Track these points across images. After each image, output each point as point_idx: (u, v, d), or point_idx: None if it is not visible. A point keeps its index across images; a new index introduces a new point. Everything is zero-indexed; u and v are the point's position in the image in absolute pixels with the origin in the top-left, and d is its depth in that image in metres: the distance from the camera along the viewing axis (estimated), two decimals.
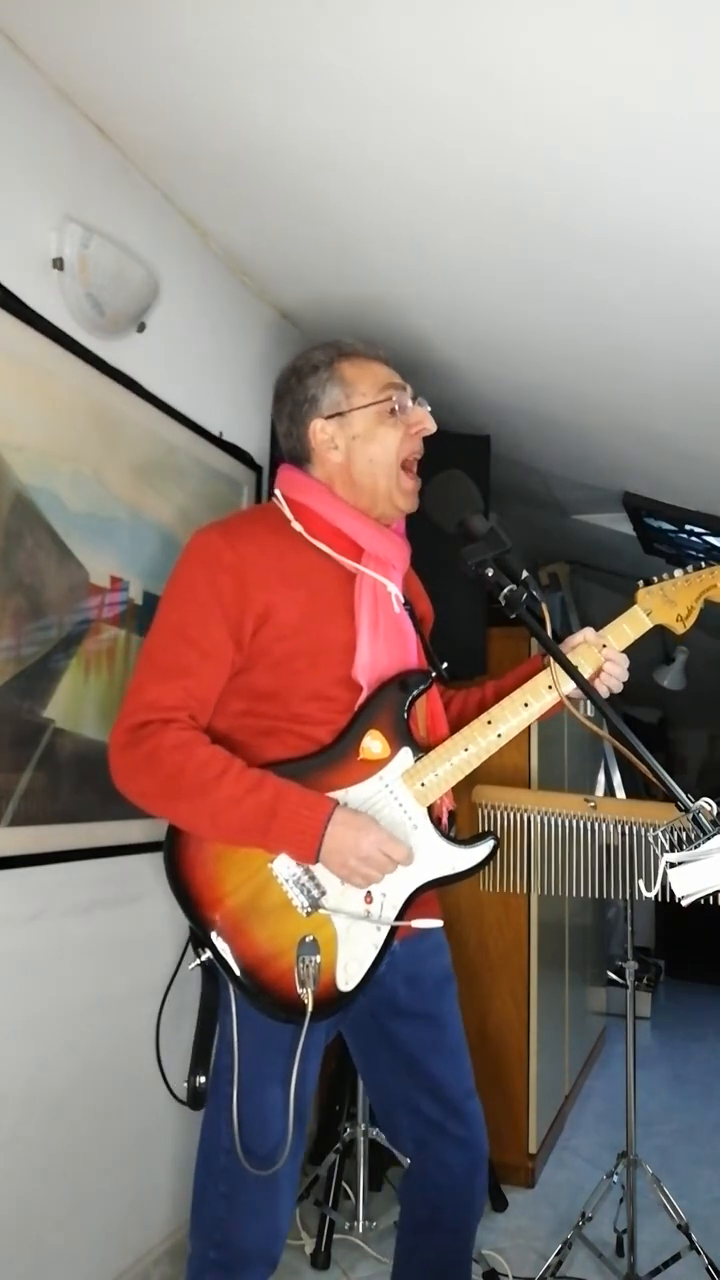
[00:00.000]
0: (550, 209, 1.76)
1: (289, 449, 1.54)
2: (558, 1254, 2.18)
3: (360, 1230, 2.31)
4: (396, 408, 1.48)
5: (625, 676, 1.49)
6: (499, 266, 2.02)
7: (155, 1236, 2.03)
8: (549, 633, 1.35)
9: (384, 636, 1.42)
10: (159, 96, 1.69)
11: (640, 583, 1.50)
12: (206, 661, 1.34)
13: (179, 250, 2.09)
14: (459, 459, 1.61)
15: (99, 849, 1.83)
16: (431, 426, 1.50)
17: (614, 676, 1.47)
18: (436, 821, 1.42)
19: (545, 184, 1.69)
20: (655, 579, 1.51)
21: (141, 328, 1.95)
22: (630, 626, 1.48)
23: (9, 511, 1.61)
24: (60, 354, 1.73)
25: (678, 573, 1.51)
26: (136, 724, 1.31)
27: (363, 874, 1.30)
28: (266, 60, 1.53)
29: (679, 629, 1.49)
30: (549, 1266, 2.16)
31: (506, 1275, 2.22)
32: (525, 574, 1.36)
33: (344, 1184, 2.40)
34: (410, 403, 1.50)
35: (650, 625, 1.49)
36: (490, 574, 1.35)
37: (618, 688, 1.49)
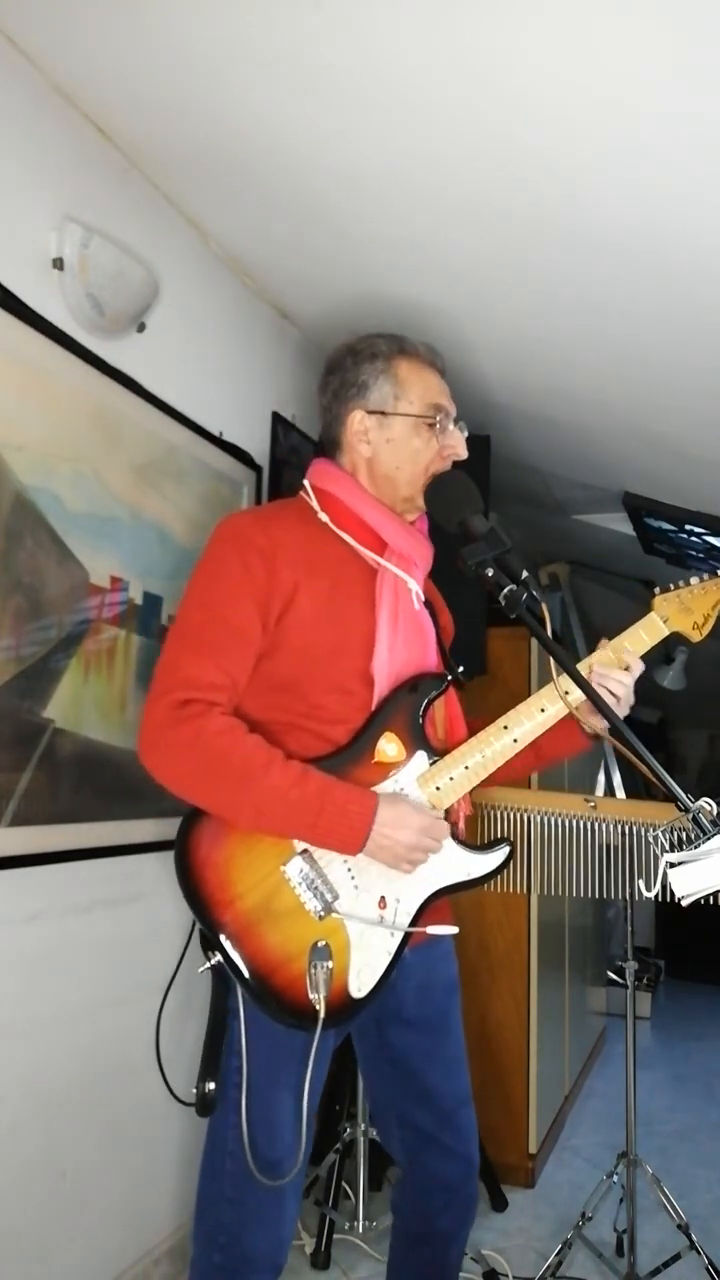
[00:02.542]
0: (550, 209, 1.76)
1: (324, 426, 1.54)
2: (558, 1254, 2.18)
3: (360, 1230, 2.31)
4: (438, 426, 1.47)
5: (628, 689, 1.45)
6: (499, 266, 2.02)
7: (156, 1236, 2.03)
8: (549, 633, 1.34)
9: (403, 632, 1.41)
10: (159, 96, 1.69)
11: (656, 589, 1.49)
12: (236, 639, 1.33)
13: (179, 250, 2.09)
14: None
15: (99, 849, 1.83)
16: (464, 453, 1.49)
17: (619, 684, 1.44)
18: (452, 826, 1.41)
19: (545, 184, 1.69)
20: (671, 585, 1.50)
21: (141, 328, 1.95)
22: (647, 633, 1.48)
23: (9, 511, 1.61)
24: (60, 354, 1.73)
25: (694, 580, 1.49)
26: (180, 700, 1.28)
27: (412, 860, 1.32)
28: (266, 60, 1.53)
29: (695, 636, 1.48)
30: (549, 1266, 2.16)
31: (506, 1275, 2.22)
32: (525, 574, 1.35)
33: (344, 1184, 2.40)
34: (451, 425, 1.49)
35: (667, 632, 1.48)
36: (490, 574, 1.34)
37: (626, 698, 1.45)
